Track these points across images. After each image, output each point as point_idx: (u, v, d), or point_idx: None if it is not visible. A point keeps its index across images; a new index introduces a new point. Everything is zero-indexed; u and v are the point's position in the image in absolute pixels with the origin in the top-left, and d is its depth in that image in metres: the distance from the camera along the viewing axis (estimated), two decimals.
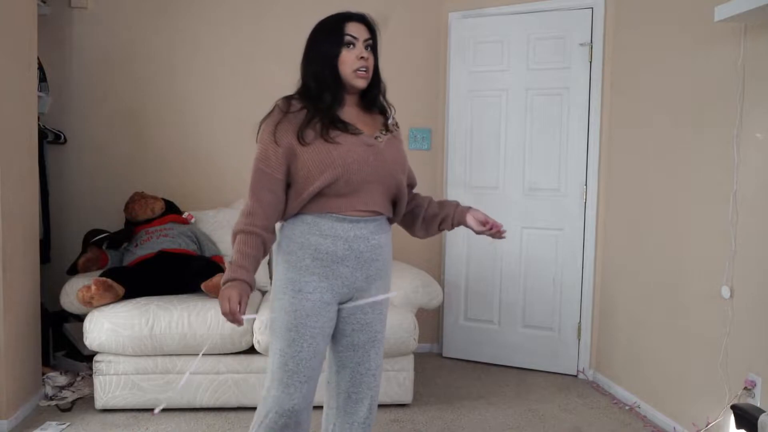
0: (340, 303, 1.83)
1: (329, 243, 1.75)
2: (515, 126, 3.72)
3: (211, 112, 3.87)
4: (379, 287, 1.87)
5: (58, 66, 3.71)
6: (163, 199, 3.50)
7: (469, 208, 1.93)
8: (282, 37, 3.87)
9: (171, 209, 3.49)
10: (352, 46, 1.76)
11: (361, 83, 1.79)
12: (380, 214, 1.83)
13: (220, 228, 3.53)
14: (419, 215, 1.96)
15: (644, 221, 3.10)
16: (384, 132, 1.84)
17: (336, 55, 1.76)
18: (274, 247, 1.86)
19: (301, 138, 1.73)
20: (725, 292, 2.46)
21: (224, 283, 1.71)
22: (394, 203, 1.90)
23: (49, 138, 3.53)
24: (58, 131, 3.64)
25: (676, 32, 2.84)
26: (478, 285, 3.85)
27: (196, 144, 3.86)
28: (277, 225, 1.83)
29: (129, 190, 3.59)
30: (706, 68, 2.63)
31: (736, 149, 2.42)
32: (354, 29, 1.77)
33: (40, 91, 3.38)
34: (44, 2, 3.53)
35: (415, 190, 2.01)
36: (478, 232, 1.90)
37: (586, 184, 3.57)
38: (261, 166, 1.77)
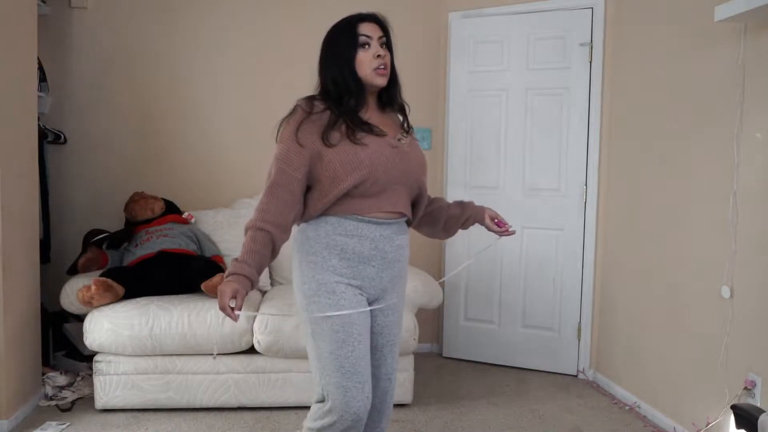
0: (370, 302, 1.83)
1: (355, 242, 1.75)
2: (515, 126, 3.72)
3: (212, 112, 3.87)
4: (400, 288, 1.90)
5: (58, 66, 3.71)
6: (163, 199, 3.50)
7: (484, 208, 2.02)
8: (283, 37, 3.88)
9: (171, 209, 3.49)
10: (367, 46, 1.76)
11: (381, 81, 1.79)
12: (403, 215, 1.84)
13: (220, 228, 3.53)
14: (441, 217, 1.99)
15: (644, 221, 3.10)
16: (405, 134, 1.86)
17: (352, 57, 1.76)
18: (295, 248, 1.84)
19: (326, 139, 1.71)
20: (725, 292, 2.46)
21: (225, 278, 1.71)
22: (413, 205, 1.92)
23: (49, 138, 3.53)
24: (58, 131, 3.64)
25: (676, 32, 2.84)
26: (478, 285, 3.85)
27: (197, 144, 3.86)
28: (295, 227, 1.83)
29: (129, 190, 3.59)
30: (706, 68, 2.63)
31: (736, 149, 2.42)
32: (367, 29, 1.78)
33: (40, 91, 3.38)
34: (44, 2, 3.53)
35: None
36: (487, 228, 2.01)
37: (586, 184, 3.57)
38: (282, 165, 1.73)
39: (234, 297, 1.66)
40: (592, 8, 3.49)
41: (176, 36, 3.83)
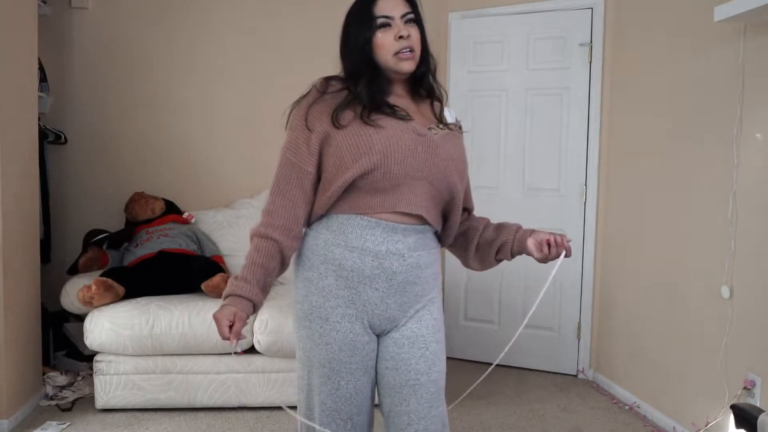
0: (378, 334, 1.53)
1: (355, 258, 1.45)
2: (515, 126, 3.72)
3: (211, 112, 3.87)
4: (422, 318, 1.53)
5: (58, 66, 3.71)
6: (163, 199, 3.50)
7: (533, 231, 1.58)
8: (284, 36, 3.87)
9: (171, 209, 3.50)
10: (387, 26, 1.46)
11: (407, 66, 1.48)
12: (425, 222, 1.50)
13: (220, 228, 3.54)
14: (473, 239, 1.63)
15: (644, 221, 3.10)
16: (440, 126, 1.54)
17: (369, 42, 1.47)
18: (294, 258, 1.56)
19: (336, 120, 1.44)
20: (725, 292, 2.46)
21: (223, 299, 1.46)
22: (445, 217, 1.58)
23: (49, 138, 3.52)
24: (58, 131, 3.64)
25: (676, 32, 2.84)
26: (478, 285, 3.85)
27: (196, 144, 3.86)
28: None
29: (129, 190, 3.59)
30: (706, 68, 2.63)
31: (736, 149, 2.42)
32: (386, 6, 1.47)
33: (40, 91, 3.38)
34: (44, 2, 3.53)
35: None
36: (540, 260, 1.55)
37: (586, 184, 3.57)
38: (288, 155, 1.47)
39: (232, 323, 1.41)
40: (592, 8, 3.49)
41: (176, 36, 3.83)
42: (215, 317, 1.42)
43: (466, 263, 1.69)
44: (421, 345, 1.51)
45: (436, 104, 1.59)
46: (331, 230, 1.48)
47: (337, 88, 1.50)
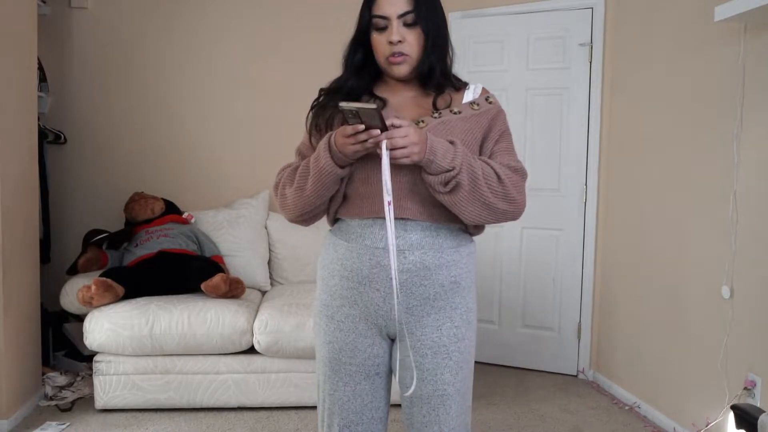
0: (391, 338, 1.50)
1: (354, 258, 1.43)
2: (515, 126, 3.66)
3: (212, 112, 3.87)
4: (442, 326, 1.44)
5: (58, 66, 3.72)
6: (163, 199, 3.50)
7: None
8: (282, 37, 3.87)
9: (171, 209, 3.50)
10: (384, 28, 1.44)
11: (397, 71, 1.46)
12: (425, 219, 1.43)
13: (220, 228, 3.53)
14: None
15: (644, 221, 3.10)
16: (435, 115, 1.46)
17: (368, 40, 1.47)
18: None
19: (316, 127, 1.49)
20: (725, 292, 2.46)
21: (318, 166, 1.37)
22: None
23: (49, 138, 3.53)
24: (58, 131, 3.64)
25: (676, 32, 2.84)
26: (479, 285, 3.84)
27: (196, 144, 3.86)
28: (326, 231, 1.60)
29: (129, 190, 3.59)
30: (706, 68, 2.62)
31: (736, 149, 2.42)
32: (384, 5, 1.42)
33: (40, 91, 3.38)
34: (44, 2, 3.54)
35: None
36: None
37: (586, 184, 3.57)
38: (295, 159, 1.51)
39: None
40: (592, 8, 3.49)
41: (176, 36, 3.83)
42: (336, 142, 1.32)
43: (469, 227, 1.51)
44: (444, 355, 1.44)
45: (446, 93, 1.50)
46: (341, 231, 1.49)
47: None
